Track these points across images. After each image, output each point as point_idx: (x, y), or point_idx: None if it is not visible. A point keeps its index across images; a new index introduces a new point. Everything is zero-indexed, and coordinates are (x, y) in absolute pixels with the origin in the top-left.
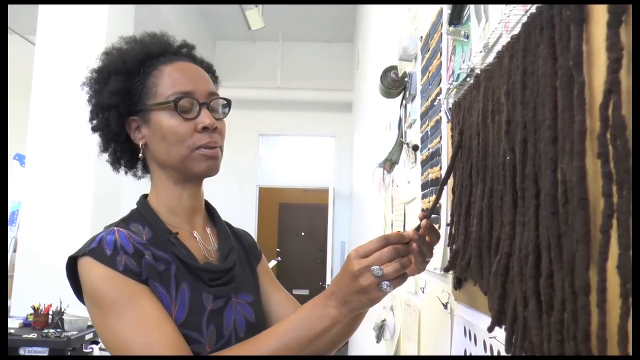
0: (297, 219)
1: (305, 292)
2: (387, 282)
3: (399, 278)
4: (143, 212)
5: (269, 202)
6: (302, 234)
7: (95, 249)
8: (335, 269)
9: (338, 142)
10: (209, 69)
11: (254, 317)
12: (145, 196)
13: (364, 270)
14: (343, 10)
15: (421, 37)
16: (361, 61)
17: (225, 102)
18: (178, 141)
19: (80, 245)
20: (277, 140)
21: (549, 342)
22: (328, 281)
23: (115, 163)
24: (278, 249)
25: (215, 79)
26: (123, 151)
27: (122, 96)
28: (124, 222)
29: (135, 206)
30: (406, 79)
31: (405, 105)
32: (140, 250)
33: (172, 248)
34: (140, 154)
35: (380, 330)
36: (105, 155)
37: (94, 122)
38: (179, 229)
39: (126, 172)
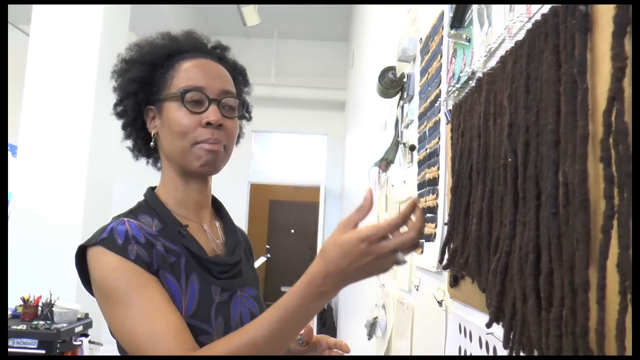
0: (287, 216)
1: None
2: (401, 254)
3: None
4: (152, 204)
5: (259, 199)
6: (292, 231)
7: (107, 238)
8: None
9: (330, 141)
10: (240, 72)
11: (258, 311)
12: (152, 188)
13: (387, 254)
14: (338, 9)
15: (421, 39)
16: (356, 60)
17: (241, 103)
18: (181, 133)
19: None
20: (269, 137)
21: (547, 337)
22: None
23: (134, 150)
24: (267, 246)
25: (245, 82)
26: (139, 139)
27: (141, 84)
28: (132, 214)
29: (135, 199)
30: (404, 80)
31: (402, 106)
32: (151, 241)
33: (182, 240)
34: (152, 143)
35: (371, 328)
36: (127, 142)
37: (118, 108)
38: (188, 221)
39: (147, 162)
